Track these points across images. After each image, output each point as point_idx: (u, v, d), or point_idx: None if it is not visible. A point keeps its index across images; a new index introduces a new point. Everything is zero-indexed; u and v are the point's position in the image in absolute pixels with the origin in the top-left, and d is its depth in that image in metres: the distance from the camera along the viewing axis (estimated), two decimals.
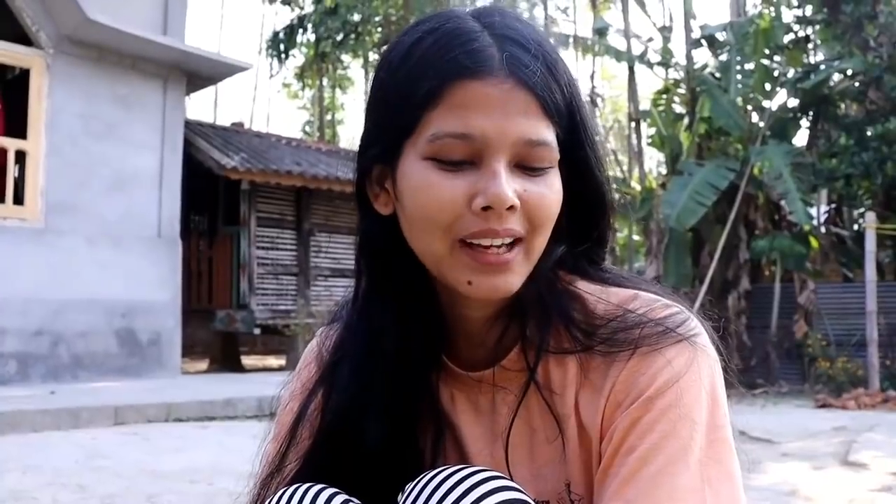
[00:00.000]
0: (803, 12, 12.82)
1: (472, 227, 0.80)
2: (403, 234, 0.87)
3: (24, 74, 9.39)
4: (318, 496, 0.85)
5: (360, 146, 0.90)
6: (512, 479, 0.83)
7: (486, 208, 0.79)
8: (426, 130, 0.81)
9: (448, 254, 0.82)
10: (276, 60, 23.52)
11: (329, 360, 0.97)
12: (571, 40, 13.75)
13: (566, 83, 0.84)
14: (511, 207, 0.79)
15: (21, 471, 4.61)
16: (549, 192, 0.83)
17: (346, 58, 24.47)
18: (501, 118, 0.80)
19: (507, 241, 0.81)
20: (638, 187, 14.15)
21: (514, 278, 0.83)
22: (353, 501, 0.87)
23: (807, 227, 11.34)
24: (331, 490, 0.87)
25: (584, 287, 0.91)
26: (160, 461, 5.04)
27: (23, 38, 9.22)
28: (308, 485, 0.87)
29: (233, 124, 14.71)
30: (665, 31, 14.40)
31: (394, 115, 0.84)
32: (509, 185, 0.79)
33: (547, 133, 0.82)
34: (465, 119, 0.80)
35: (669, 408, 0.79)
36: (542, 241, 0.85)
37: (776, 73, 12.31)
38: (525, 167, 0.82)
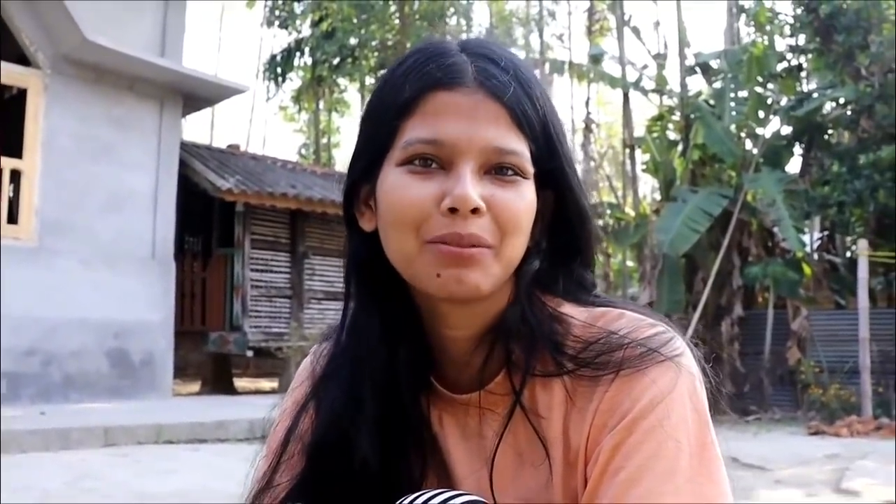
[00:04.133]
0: (796, 41, 12.96)
1: (439, 230, 0.82)
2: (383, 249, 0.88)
3: (21, 94, 9.41)
4: None
5: (350, 161, 0.93)
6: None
7: (452, 210, 0.81)
8: (401, 139, 0.85)
9: (417, 253, 0.84)
10: (272, 83, 23.62)
11: (319, 377, 0.97)
12: (567, 67, 13.83)
13: (538, 98, 0.87)
14: (476, 211, 0.81)
15: (9, 492, 4.57)
16: (519, 199, 0.85)
17: (342, 81, 24.54)
18: (470, 125, 0.83)
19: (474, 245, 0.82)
20: (632, 213, 14.20)
21: (482, 276, 0.83)
22: None
23: (800, 254, 11.37)
24: None
25: (570, 310, 0.91)
26: (150, 483, 5.01)
27: (21, 57, 9.25)
28: None
29: (229, 146, 14.74)
30: (660, 58, 14.55)
31: (376, 128, 0.88)
32: (475, 189, 0.81)
33: (516, 143, 0.84)
34: (435, 125, 0.83)
35: (654, 428, 0.79)
36: (513, 249, 0.85)
37: (769, 101, 12.41)
38: (496, 175, 0.84)
